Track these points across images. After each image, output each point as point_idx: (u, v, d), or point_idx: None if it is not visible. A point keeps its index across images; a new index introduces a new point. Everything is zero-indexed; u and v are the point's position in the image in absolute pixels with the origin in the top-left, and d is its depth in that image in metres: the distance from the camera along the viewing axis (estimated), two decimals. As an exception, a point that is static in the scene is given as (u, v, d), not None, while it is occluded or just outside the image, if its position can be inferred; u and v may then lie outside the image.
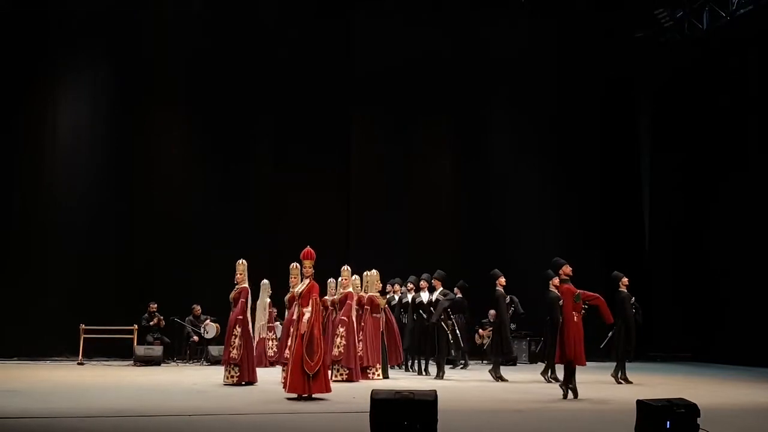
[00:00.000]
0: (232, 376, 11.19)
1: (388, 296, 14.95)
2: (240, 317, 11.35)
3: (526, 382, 12.69)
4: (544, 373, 12.86)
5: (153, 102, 17.37)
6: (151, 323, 15.54)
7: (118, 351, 15.51)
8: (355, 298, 12.74)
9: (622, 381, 12.55)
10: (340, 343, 12.28)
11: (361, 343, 12.74)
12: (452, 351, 14.18)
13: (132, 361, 14.81)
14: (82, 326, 14.78)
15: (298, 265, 11.83)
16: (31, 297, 15.57)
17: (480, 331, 16.94)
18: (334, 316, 12.91)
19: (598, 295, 10.84)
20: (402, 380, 12.70)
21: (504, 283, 13.10)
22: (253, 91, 17.56)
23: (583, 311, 10.64)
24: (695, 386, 12.07)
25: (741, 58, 17.32)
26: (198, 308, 15.90)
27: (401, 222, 17.95)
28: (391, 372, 13.50)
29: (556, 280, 12.49)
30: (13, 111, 16.32)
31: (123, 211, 16.55)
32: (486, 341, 16.92)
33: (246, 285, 11.59)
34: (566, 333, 10.26)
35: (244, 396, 9.94)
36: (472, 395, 10.71)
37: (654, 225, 19.65)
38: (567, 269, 10.81)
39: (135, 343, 15.05)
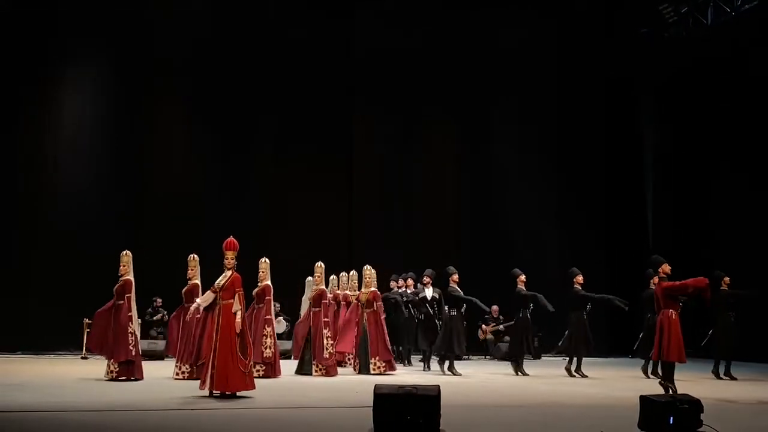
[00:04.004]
0: (111, 372, 10.85)
1: (399, 291, 15.06)
2: (130, 314, 11.03)
3: (528, 378, 12.71)
4: (646, 370, 12.92)
5: (154, 100, 17.43)
6: (155, 318, 15.58)
7: (121, 346, 15.52)
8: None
9: (727, 377, 12.79)
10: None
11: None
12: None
13: (135, 356, 14.82)
14: (86, 320, 14.80)
15: (195, 256, 11.69)
16: (34, 292, 15.62)
17: (483, 326, 16.96)
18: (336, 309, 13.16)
19: (687, 281, 10.41)
20: (402, 374, 12.72)
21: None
22: (255, 91, 17.56)
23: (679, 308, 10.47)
24: (698, 382, 12.06)
25: (746, 54, 17.26)
26: (203, 302, 16.00)
27: (402, 221, 17.96)
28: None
29: (656, 278, 12.50)
30: (14, 109, 16.34)
31: (126, 206, 16.59)
32: (489, 337, 16.95)
33: (130, 277, 11.17)
34: (671, 331, 10.15)
35: (256, 390, 9.92)
36: (475, 390, 10.72)
37: (657, 223, 19.63)
38: (666, 268, 10.59)
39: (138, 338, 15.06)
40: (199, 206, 16.90)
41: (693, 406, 7.08)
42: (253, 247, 15.88)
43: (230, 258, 9.47)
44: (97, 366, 11.90)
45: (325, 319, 12.21)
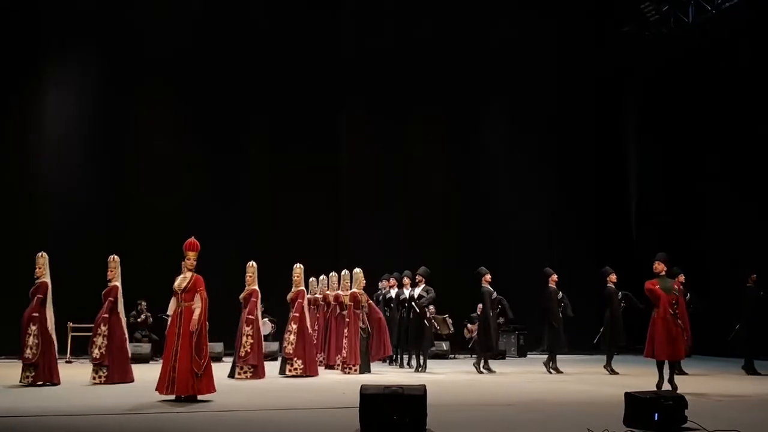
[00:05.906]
0: (27, 377, 10.48)
1: (383, 291, 15.05)
2: (36, 314, 10.58)
3: (514, 376, 12.74)
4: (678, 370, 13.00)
5: (143, 100, 17.40)
6: (138, 320, 15.51)
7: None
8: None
9: (751, 372, 13.04)
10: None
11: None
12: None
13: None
14: (70, 324, 14.71)
15: (116, 257, 11.40)
16: (17, 294, 15.45)
17: (468, 325, 16.98)
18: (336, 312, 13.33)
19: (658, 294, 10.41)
20: (389, 374, 12.71)
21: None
22: (244, 91, 17.55)
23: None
24: (683, 378, 12.12)
25: (727, 51, 17.38)
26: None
27: (394, 220, 17.98)
28: (375, 366, 13.58)
29: (681, 277, 12.50)
30: (0, 107, 16.22)
31: (112, 208, 16.54)
32: (474, 336, 16.96)
33: (46, 280, 10.76)
34: (654, 330, 10.21)
35: (240, 392, 9.91)
36: (461, 389, 10.73)
37: (640, 218, 19.78)
38: (656, 265, 10.57)
39: (123, 341, 14.96)
40: (186, 207, 16.78)
41: (677, 402, 7.12)
42: (242, 247, 15.91)
43: (192, 259, 9.13)
44: (82, 369, 11.86)
45: (249, 316, 11.78)
